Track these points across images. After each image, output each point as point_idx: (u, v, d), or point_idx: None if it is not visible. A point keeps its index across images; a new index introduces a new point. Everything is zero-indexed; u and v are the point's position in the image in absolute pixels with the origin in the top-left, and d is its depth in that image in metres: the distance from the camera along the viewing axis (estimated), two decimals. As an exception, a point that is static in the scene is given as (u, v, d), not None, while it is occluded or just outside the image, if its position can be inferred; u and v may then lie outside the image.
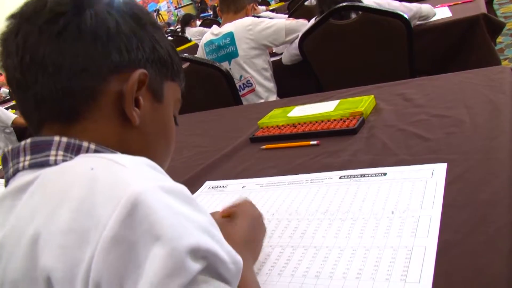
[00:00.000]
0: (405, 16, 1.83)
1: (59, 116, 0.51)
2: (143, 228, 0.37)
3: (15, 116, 3.69)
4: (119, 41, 0.52)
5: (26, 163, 0.48)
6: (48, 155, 0.47)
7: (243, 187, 0.95)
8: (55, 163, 0.47)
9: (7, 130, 3.72)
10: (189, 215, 0.41)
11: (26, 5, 0.52)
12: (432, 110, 1.03)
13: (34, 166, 0.47)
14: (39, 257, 0.40)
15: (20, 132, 3.75)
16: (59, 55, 0.49)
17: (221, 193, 0.95)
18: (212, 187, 1.00)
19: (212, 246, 0.40)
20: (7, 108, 4.30)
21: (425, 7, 2.03)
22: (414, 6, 1.99)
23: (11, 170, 0.49)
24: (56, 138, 0.48)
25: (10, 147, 0.50)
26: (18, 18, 0.52)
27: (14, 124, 3.66)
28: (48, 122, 0.51)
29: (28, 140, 0.49)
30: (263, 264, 0.67)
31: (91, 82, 0.50)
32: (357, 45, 1.98)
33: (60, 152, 0.48)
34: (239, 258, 0.44)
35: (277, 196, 0.86)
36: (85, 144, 0.49)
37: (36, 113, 0.52)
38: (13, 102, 5.80)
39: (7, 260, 0.43)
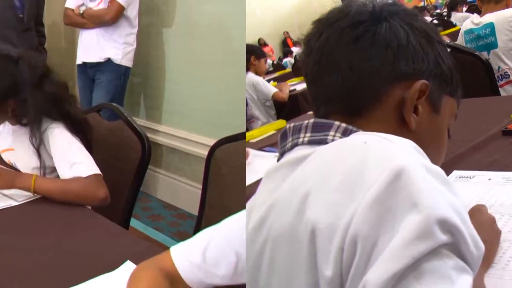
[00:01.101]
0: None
1: (344, 110, 0.56)
2: (402, 195, 0.41)
3: (276, 90, 3.66)
4: (407, 52, 0.56)
5: (306, 139, 0.54)
6: (327, 135, 0.53)
7: (489, 179, 0.92)
8: (332, 142, 0.52)
9: (267, 103, 3.68)
10: (444, 193, 0.43)
11: (331, 12, 0.60)
12: None
13: (312, 142, 0.53)
14: (305, 212, 0.45)
15: (278, 106, 3.71)
16: (353, 57, 0.56)
17: (467, 183, 0.94)
18: (460, 177, 0.98)
19: (459, 224, 0.41)
20: (268, 81, 4.34)
21: None
22: None
23: (289, 144, 0.55)
24: (336, 123, 0.54)
25: (292, 124, 0.57)
26: (323, 23, 0.60)
27: (274, 97, 3.63)
28: (333, 115, 0.57)
29: (311, 120, 0.55)
30: (499, 259, 0.65)
31: (378, 85, 0.56)
32: None
33: (338, 134, 0.53)
34: (481, 244, 0.44)
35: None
36: (361, 131, 0.53)
37: (325, 106, 0.58)
38: (275, 74, 5.99)
39: (275, 218, 0.48)
